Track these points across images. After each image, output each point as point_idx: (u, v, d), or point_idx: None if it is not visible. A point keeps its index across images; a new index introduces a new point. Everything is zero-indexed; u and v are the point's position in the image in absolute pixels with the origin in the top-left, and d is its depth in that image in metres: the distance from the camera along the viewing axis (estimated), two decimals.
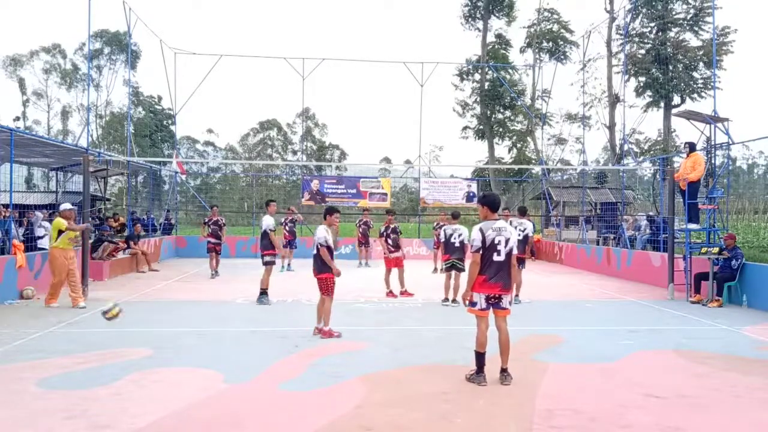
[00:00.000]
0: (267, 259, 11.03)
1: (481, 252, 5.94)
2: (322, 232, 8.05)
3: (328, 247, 8.02)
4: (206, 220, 15.63)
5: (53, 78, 55.27)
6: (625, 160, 23.02)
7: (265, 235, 11.06)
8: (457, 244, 11.02)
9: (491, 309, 5.99)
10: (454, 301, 10.97)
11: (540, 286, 14.38)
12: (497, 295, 5.94)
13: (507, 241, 5.96)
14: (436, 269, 17.25)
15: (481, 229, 5.98)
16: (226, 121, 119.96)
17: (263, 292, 11.00)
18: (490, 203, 6.16)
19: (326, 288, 8.01)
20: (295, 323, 9.11)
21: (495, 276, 5.92)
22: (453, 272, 11.09)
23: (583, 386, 5.89)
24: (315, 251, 8.04)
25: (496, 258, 5.93)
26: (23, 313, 9.81)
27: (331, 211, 8.40)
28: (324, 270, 7.98)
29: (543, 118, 29.78)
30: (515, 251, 6.04)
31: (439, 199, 24.83)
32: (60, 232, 10.55)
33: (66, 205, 11.10)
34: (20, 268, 11.43)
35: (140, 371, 6.22)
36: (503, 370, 5.95)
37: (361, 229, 18.89)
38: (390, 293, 12.03)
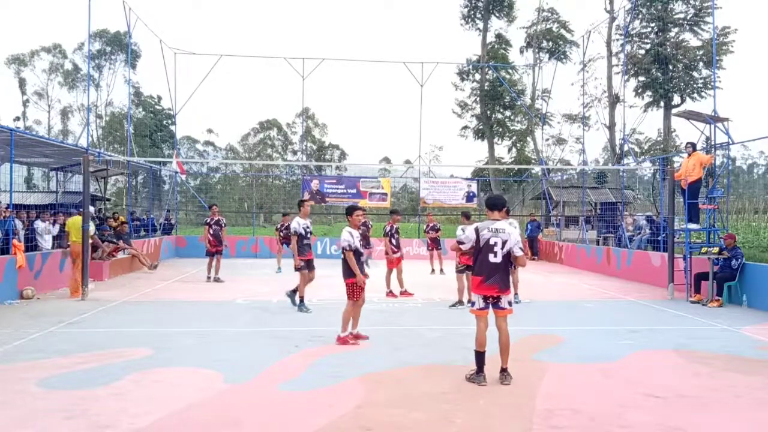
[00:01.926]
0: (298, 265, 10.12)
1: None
2: (347, 235, 7.61)
3: (356, 250, 7.59)
4: (208, 221, 14.70)
5: (56, 78, 55.21)
6: (625, 160, 23.02)
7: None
8: None
9: (491, 309, 5.99)
10: (463, 302, 10.88)
11: (540, 286, 14.39)
12: (495, 296, 5.93)
13: (504, 242, 5.89)
14: (433, 270, 17.26)
15: (476, 228, 5.97)
16: (226, 121, 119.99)
17: (301, 300, 10.40)
18: (487, 203, 6.20)
19: (351, 292, 7.59)
20: (296, 323, 9.11)
21: (491, 278, 5.87)
22: (467, 273, 10.90)
23: (583, 386, 5.89)
24: (342, 255, 7.67)
25: (492, 259, 5.88)
26: (23, 313, 9.80)
27: (350, 210, 7.95)
28: (351, 275, 7.55)
29: (543, 118, 29.77)
30: (516, 253, 5.93)
31: (439, 199, 24.84)
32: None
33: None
34: (20, 268, 11.43)
35: (140, 371, 6.22)
36: (503, 370, 5.95)
37: (360, 230, 18.64)
38: (390, 293, 12.02)
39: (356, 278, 7.52)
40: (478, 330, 5.97)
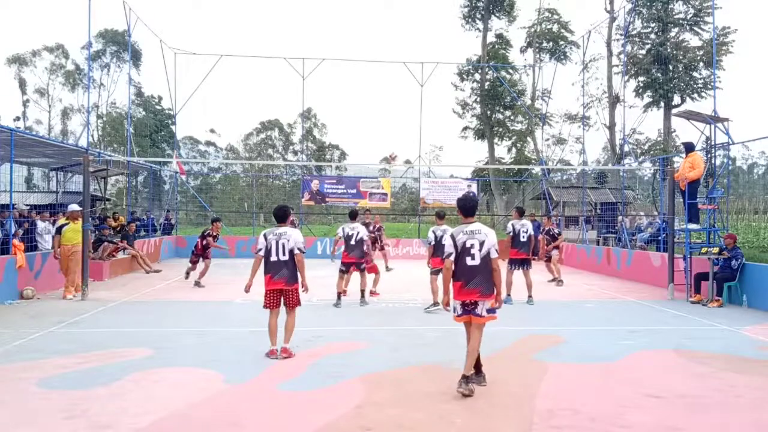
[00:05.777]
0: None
1: (453, 258, 5.66)
2: (301, 236, 7.13)
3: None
4: (206, 233, 13.96)
5: (58, 79, 55.08)
6: (625, 160, 23.02)
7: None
8: None
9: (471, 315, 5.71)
10: (438, 303, 10.80)
11: (540, 286, 14.37)
12: (473, 302, 5.66)
13: (482, 244, 5.65)
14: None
15: (452, 235, 5.74)
16: (227, 122, 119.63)
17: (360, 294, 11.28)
18: (460, 207, 5.90)
19: (298, 300, 7.10)
20: (295, 324, 9.08)
21: (471, 282, 5.63)
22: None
23: (583, 386, 5.89)
24: (287, 257, 6.89)
25: (470, 263, 5.64)
26: (23, 313, 9.80)
27: (285, 214, 7.09)
28: (298, 279, 7.02)
29: (543, 118, 29.77)
30: (494, 255, 5.67)
31: (439, 199, 24.81)
32: (59, 228, 11.91)
33: (73, 206, 12.28)
34: (20, 268, 11.43)
35: (140, 371, 6.22)
36: (464, 377, 5.50)
37: (374, 236, 16.10)
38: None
39: (304, 282, 7.06)
40: (466, 336, 5.81)
